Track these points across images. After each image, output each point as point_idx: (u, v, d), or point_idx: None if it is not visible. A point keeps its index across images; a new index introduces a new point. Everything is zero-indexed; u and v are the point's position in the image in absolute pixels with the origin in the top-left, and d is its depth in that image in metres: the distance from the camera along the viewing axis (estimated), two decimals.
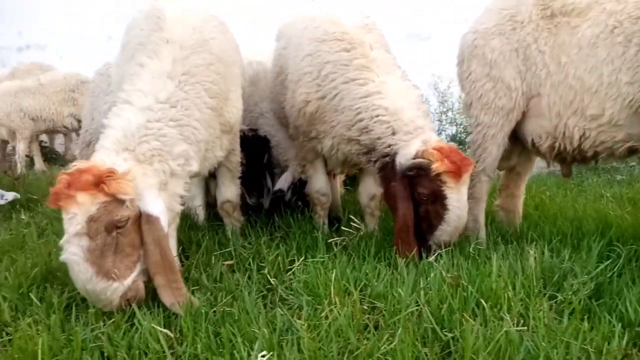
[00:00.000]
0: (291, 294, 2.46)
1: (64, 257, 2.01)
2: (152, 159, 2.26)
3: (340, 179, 4.52)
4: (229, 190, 3.27)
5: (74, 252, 1.97)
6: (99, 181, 2.00)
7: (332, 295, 2.23)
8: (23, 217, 3.76)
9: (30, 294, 2.30)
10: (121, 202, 2.05)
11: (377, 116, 2.55)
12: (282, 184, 3.65)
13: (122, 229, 2.06)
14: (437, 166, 2.45)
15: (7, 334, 2.10)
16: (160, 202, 2.21)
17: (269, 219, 3.56)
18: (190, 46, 2.58)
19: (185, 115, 2.45)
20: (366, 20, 2.94)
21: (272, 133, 3.89)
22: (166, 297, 2.16)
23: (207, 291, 2.43)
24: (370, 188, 3.32)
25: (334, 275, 2.31)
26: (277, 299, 2.45)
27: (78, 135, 8.24)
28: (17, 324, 2.10)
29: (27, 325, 2.05)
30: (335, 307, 2.16)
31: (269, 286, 2.57)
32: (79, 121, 7.82)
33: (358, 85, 2.62)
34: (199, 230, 3.32)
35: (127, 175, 2.08)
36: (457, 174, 2.48)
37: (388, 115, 2.56)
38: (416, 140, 2.57)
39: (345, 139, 2.75)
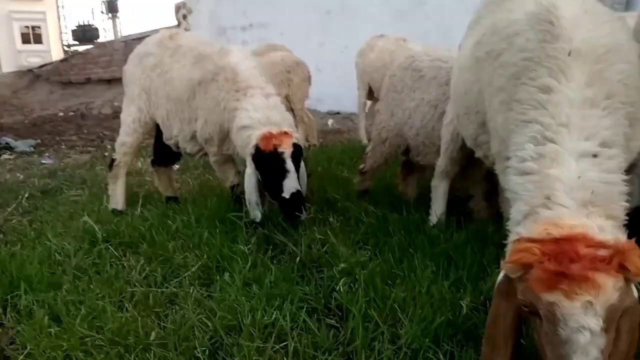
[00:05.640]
0: None
1: None
2: (617, 212, 1.72)
3: None
4: None
5: (595, 356, 1.47)
6: (622, 258, 1.49)
7: None
8: None
9: None
10: (630, 284, 1.54)
11: None
12: None
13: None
14: None
15: None
16: None
17: None
18: (600, 57, 1.94)
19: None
20: None
21: None
22: None
23: None
24: None
25: None
26: None
27: None
28: None
29: None
30: None
31: None
32: (289, 102, 7.86)
33: None
34: None
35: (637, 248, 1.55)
36: None
37: None
38: None
39: None
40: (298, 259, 2.98)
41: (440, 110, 3.78)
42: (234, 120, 3.75)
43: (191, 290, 2.68)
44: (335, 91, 9.89)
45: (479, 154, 2.94)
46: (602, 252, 1.52)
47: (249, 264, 2.93)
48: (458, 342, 2.17)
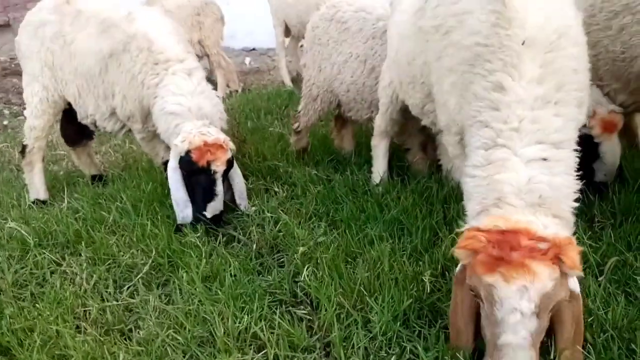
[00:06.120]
0: None
1: (508, 340, 1.65)
2: (564, 213, 1.85)
3: None
4: None
5: (524, 336, 1.64)
6: (558, 251, 1.64)
7: None
8: None
9: None
10: (566, 278, 1.70)
11: None
12: None
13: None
14: None
15: None
16: None
17: None
18: (552, 44, 1.93)
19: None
20: None
21: None
22: None
23: None
24: None
25: None
26: None
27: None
28: None
29: None
30: None
31: None
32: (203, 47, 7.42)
33: None
34: None
35: (575, 244, 1.69)
36: None
37: None
38: None
39: None
40: (254, 245, 2.94)
41: (370, 66, 3.72)
42: (157, 101, 3.46)
43: (150, 299, 2.58)
44: (247, 26, 9.40)
45: (425, 122, 2.95)
46: (542, 245, 1.67)
47: (204, 256, 2.85)
48: (425, 318, 2.28)
